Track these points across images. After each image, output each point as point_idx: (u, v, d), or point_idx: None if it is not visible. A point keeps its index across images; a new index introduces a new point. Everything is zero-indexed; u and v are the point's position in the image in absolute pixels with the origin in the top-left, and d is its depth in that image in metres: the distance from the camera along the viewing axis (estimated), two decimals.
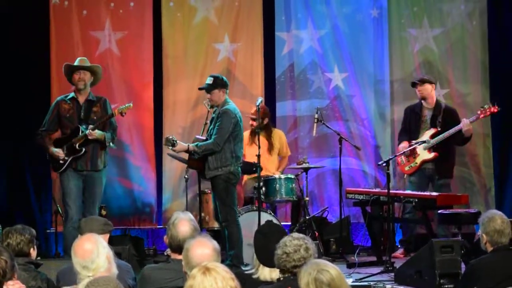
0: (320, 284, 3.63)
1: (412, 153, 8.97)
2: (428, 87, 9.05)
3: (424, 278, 6.98)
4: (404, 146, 9.02)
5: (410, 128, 9.18)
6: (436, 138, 8.87)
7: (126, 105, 8.22)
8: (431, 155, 8.89)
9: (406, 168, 9.09)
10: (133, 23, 9.94)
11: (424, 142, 8.83)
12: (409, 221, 9.17)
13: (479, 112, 8.93)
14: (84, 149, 8.10)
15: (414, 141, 8.92)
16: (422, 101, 9.13)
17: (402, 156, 9.01)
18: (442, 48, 10.17)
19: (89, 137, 8.05)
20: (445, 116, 9.00)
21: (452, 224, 8.47)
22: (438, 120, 8.99)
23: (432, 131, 8.96)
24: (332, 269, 3.67)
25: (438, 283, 6.83)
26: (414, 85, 9.18)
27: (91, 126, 8.09)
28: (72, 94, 8.32)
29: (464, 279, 5.69)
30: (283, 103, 10.18)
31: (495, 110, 8.91)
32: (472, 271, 5.36)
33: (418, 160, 8.94)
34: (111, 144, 8.30)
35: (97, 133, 8.09)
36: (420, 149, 8.93)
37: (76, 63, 8.33)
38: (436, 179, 9.00)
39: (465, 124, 8.78)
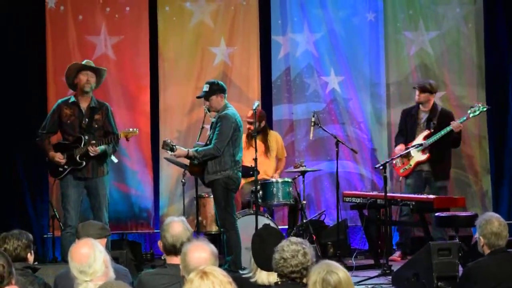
0: (327, 285, 3.66)
1: (407, 156, 8.98)
2: (426, 95, 9.08)
3: (422, 281, 6.98)
4: (400, 148, 9.06)
5: (406, 130, 9.20)
6: (429, 140, 8.89)
7: (131, 130, 8.04)
8: (424, 156, 8.89)
9: (401, 171, 9.10)
10: (129, 27, 9.92)
11: (421, 145, 8.84)
12: (407, 224, 9.17)
13: (469, 112, 8.97)
14: (84, 162, 7.98)
15: (411, 144, 8.94)
16: (420, 104, 9.17)
17: (398, 159, 9.03)
18: (438, 51, 10.18)
19: (91, 154, 7.94)
20: (440, 118, 9.03)
21: (449, 226, 8.48)
22: (432, 122, 9.02)
23: (425, 132, 8.99)
24: (341, 273, 3.69)
25: (435, 286, 6.83)
26: (414, 88, 9.23)
27: (93, 142, 7.94)
28: (73, 99, 8.16)
29: (461, 281, 5.70)
30: (280, 107, 10.17)
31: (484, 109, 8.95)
32: (470, 274, 5.36)
33: (412, 162, 8.94)
34: (112, 156, 8.24)
35: (100, 149, 7.96)
36: (414, 151, 8.95)
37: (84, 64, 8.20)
38: (433, 181, 9.02)
39: (455, 126, 8.82)
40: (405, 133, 9.21)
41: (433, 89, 9.13)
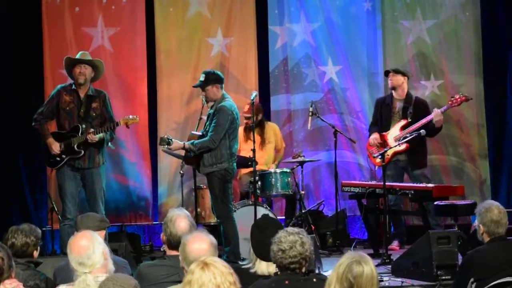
0: (348, 272, 3.69)
1: (383, 145, 8.91)
2: (400, 78, 8.99)
3: (421, 270, 6.99)
4: (374, 137, 8.99)
5: (381, 120, 9.13)
6: (407, 129, 8.81)
7: (132, 117, 8.08)
8: (402, 146, 8.78)
9: (378, 160, 8.94)
10: (125, 19, 9.90)
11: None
12: (405, 213, 9.16)
13: (449, 102, 8.91)
14: (82, 151, 7.98)
15: (388, 134, 8.86)
16: (393, 92, 9.06)
17: (373, 148, 8.98)
18: (436, 40, 10.17)
19: (89, 141, 7.94)
20: (416, 107, 8.94)
21: (449, 215, 8.48)
22: (409, 111, 8.93)
23: (402, 122, 8.93)
24: (367, 268, 3.70)
25: (435, 275, 6.84)
26: (387, 73, 9.14)
27: (91, 130, 7.94)
28: (74, 85, 8.13)
29: (461, 270, 5.69)
30: (277, 97, 10.16)
31: (464, 99, 8.84)
32: (469, 262, 5.35)
33: (390, 152, 8.82)
34: (109, 144, 8.26)
35: (98, 136, 7.96)
36: (390, 140, 8.90)
37: (77, 57, 8.21)
38: (410, 170, 8.95)
39: (436, 114, 8.73)
40: (380, 123, 9.14)
41: (406, 72, 9.08)
